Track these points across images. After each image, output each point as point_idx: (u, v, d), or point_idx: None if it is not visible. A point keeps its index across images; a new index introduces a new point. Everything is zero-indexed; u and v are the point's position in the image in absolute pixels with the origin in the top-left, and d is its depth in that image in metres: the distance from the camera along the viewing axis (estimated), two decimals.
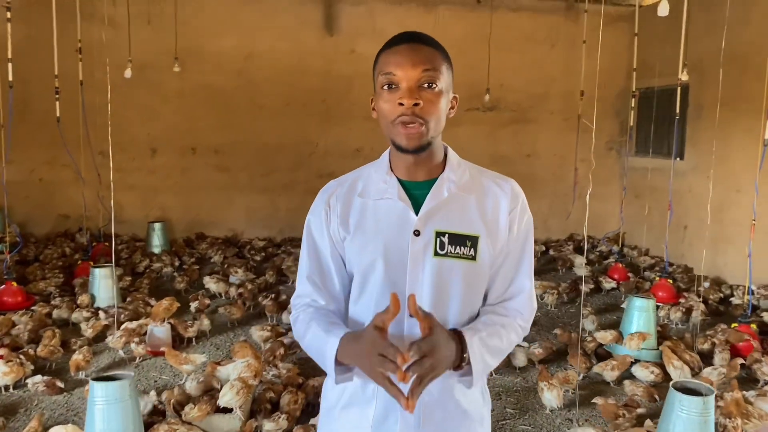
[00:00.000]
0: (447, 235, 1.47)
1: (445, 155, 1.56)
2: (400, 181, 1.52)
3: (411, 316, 1.35)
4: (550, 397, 4.05)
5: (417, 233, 1.47)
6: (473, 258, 1.47)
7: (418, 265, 1.46)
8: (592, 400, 4.05)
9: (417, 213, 1.48)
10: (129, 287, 6.39)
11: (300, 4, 8.71)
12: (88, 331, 4.98)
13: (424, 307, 1.46)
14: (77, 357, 4.39)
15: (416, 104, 1.39)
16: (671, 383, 3.32)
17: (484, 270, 1.50)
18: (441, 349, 1.34)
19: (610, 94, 8.87)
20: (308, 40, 8.74)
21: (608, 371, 4.51)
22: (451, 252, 1.46)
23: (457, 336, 1.41)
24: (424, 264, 1.46)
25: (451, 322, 1.48)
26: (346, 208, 1.55)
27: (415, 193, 1.51)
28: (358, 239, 1.51)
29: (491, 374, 4.43)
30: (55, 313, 5.45)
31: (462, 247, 1.47)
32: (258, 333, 5.05)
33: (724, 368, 4.43)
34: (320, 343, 1.48)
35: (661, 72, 7.56)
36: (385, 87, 1.43)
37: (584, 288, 6.72)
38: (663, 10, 4.34)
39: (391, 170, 1.54)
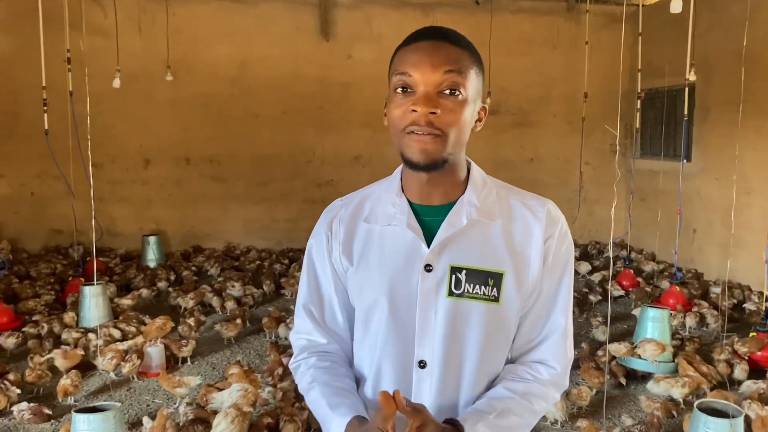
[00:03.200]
0: (464, 271, 1.22)
1: (468, 173, 1.30)
2: (411, 204, 1.27)
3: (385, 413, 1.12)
4: (554, 409, 3.86)
5: (428, 268, 1.23)
6: (496, 299, 1.22)
7: (429, 307, 1.22)
8: (576, 424, 3.83)
9: (430, 244, 1.23)
10: (135, 306, 6.08)
11: (295, 9, 8.53)
12: (104, 362, 4.55)
13: (436, 359, 1.24)
14: (65, 382, 4.17)
15: (433, 113, 1.15)
16: (696, 404, 3.12)
17: (509, 315, 1.25)
18: None
19: (613, 96, 8.68)
20: (304, 46, 8.55)
21: (678, 388, 4.15)
22: (468, 292, 1.22)
23: (456, 429, 1.17)
24: (437, 305, 1.22)
25: (467, 377, 1.25)
26: (350, 234, 1.31)
27: (429, 220, 1.26)
28: (360, 273, 1.29)
29: None
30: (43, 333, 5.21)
31: (482, 287, 1.22)
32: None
33: (764, 383, 4.15)
34: (324, 417, 1.27)
35: (666, 72, 7.38)
36: (399, 90, 1.19)
37: (594, 297, 6.53)
38: (676, 6, 4.13)
39: (402, 191, 1.29)
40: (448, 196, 1.27)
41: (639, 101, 6.25)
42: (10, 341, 4.90)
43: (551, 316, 1.30)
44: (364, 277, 1.28)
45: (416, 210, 1.27)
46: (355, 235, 1.31)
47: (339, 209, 1.36)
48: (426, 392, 1.24)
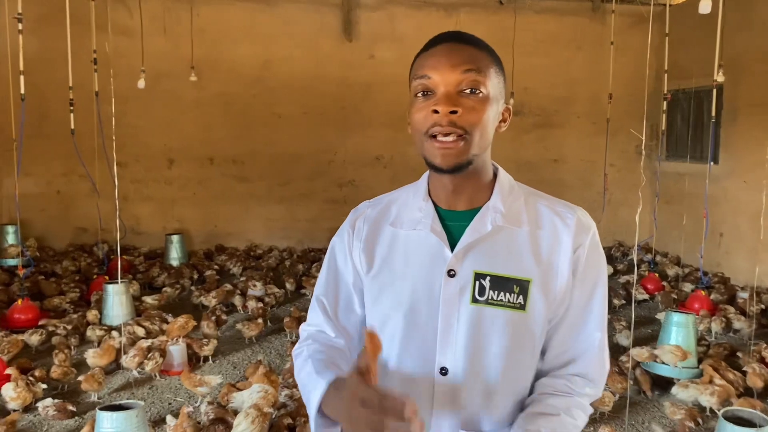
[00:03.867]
0: (488, 278, 1.19)
1: (495, 177, 1.28)
2: (438, 209, 1.26)
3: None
4: None
5: (451, 273, 1.20)
6: (521, 307, 1.19)
7: (452, 313, 1.20)
8: (598, 430, 3.76)
9: (454, 249, 1.21)
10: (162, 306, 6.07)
11: (318, 10, 8.55)
12: (127, 360, 4.57)
13: (458, 366, 1.21)
14: (89, 378, 4.21)
15: (454, 112, 1.13)
16: (721, 412, 3.06)
17: (535, 323, 1.22)
18: None
19: (639, 97, 8.57)
20: (326, 47, 8.58)
21: (707, 396, 4.06)
22: (492, 299, 1.19)
23: None
24: (459, 312, 1.20)
25: (491, 385, 1.22)
26: (373, 234, 1.30)
27: (454, 225, 1.24)
28: (382, 276, 1.27)
29: None
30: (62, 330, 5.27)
31: (507, 294, 1.19)
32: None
33: None
34: (309, 386, 1.21)
35: (693, 73, 7.26)
36: (420, 94, 1.18)
37: (618, 301, 6.44)
38: (705, 7, 4.06)
39: (429, 196, 1.27)
40: (473, 202, 1.25)
41: (665, 102, 6.16)
42: (34, 338, 4.98)
43: (586, 329, 1.26)
44: (386, 280, 1.27)
45: (442, 215, 1.25)
46: (378, 237, 1.30)
47: (365, 209, 1.35)
48: (447, 401, 1.22)
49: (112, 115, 5.09)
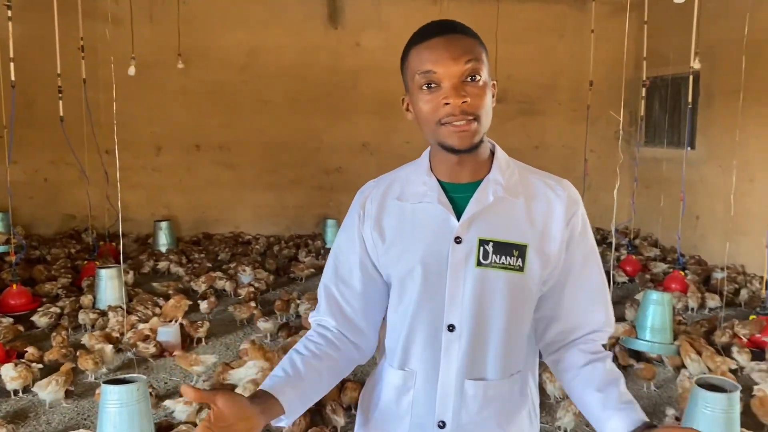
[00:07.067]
0: (491, 244, 1.34)
1: (492, 154, 1.42)
2: (441, 183, 1.40)
3: None
4: (553, 389, 4.05)
5: (458, 240, 1.35)
6: (520, 269, 1.35)
7: (459, 276, 1.35)
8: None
9: (459, 218, 1.36)
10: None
11: None
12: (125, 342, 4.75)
13: (464, 323, 1.36)
14: (88, 358, 4.32)
15: (464, 102, 1.27)
16: (695, 380, 3.24)
17: (532, 283, 1.38)
18: None
19: (619, 84, 8.76)
20: (313, 35, 8.65)
21: (689, 362, 4.32)
22: (495, 262, 1.34)
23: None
24: (465, 274, 1.35)
25: (493, 339, 1.37)
26: (380, 211, 1.43)
27: (457, 197, 1.38)
28: (395, 246, 1.40)
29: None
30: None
31: (508, 257, 1.34)
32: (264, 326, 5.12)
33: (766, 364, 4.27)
34: None
35: (671, 60, 7.45)
36: (424, 87, 1.31)
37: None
38: None
39: (431, 171, 1.42)
40: (474, 175, 1.39)
41: (644, 89, 6.34)
42: (43, 320, 5.15)
43: (591, 281, 1.43)
44: (400, 249, 1.40)
45: (445, 188, 1.39)
46: (386, 213, 1.43)
47: (372, 189, 1.47)
48: (454, 353, 1.37)
49: (112, 101, 5.20)
